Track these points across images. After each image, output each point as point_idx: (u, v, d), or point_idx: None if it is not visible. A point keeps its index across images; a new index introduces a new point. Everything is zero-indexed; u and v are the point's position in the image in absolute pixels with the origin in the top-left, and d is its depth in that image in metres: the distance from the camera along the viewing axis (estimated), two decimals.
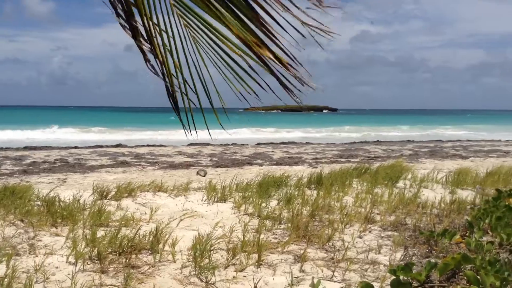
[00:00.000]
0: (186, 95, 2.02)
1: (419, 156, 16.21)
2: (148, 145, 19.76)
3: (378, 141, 25.22)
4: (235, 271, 3.78)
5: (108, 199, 6.24)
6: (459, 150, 18.95)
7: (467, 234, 4.71)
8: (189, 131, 2.07)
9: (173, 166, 12.42)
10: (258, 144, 21.28)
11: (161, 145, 19.59)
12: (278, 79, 1.93)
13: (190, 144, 18.99)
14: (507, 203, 5.89)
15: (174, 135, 26.49)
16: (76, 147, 18.14)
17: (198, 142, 20.09)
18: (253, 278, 3.56)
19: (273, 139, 25.17)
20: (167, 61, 1.96)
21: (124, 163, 13.07)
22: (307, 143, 22.85)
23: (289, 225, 5.00)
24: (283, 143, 22.33)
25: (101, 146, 18.91)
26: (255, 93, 2.01)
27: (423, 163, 13.59)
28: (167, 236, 4.41)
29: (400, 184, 7.99)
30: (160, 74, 1.93)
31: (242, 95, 2.03)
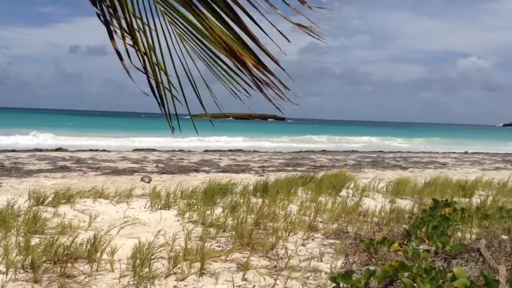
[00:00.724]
0: (170, 91, 1.97)
1: (362, 166, 16.69)
2: (90, 150, 19.12)
3: (324, 150, 25.76)
4: (176, 280, 3.69)
5: (45, 205, 5.95)
6: (399, 161, 19.68)
7: (405, 242, 4.87)
8: (173, 129, 2.02)
9: (117, 172, 12.07)
10: (206, 151, 21.12)
11: (104, 150, 19.02)
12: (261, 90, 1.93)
13: (136, 150, 18.57)
14: (443, 213, 6.15)
15: (120, 141, 25.83)
16: (13, 150, 17.24)
17: (144, 148, 19.67)
18: (194, 287, 3.49)
19: (221, 146, 25.08)
20: (151, 55, 1.89)
21: (64, 168, 12.55)
22: (254, 151, 22.96)
23: (234, 233, 4.96)
24: (230, 150, 22.31)
25: (40, 150, 18.11)
26: (246, 91, 1.99)
27: (366, 173, 13.99)
28: (105, 245, 4.25)
29: (343, 193, 8.16)
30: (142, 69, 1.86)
31: (234, 92, 2.01)
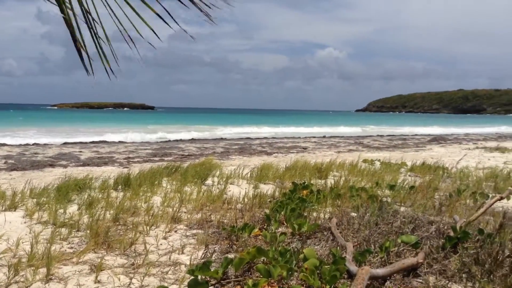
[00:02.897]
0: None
1: (230, 153, 16.95)
2: None
3: (193, 139, 25.68)
4: None
5: None
6: (265, 147, 20.42)
7: (265, 227, 5.00)
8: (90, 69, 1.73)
9: None
10: (65, 143, 19.64)
11: None
12: None
13: None
14: (301, 195, 6.47)
15: None
16: None
17: None
18: None
19: (83, 138, 23.53)
20: None
21: None
22: (120, 142, 21.98)
23: (88, 231, 4.62)
24: (93, 142, 21.04)
25: None
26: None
27: (233, 160, 14.23)
28: None
29: (209, 181, 8.15)
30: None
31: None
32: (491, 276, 3.22)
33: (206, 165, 9.21)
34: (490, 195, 7.07)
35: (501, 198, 4.67)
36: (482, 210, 4.32)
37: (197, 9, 1.66)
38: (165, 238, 4.71)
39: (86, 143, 20.41)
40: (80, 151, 15.90)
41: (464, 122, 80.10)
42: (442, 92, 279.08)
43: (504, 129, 52.66)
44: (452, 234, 3.82)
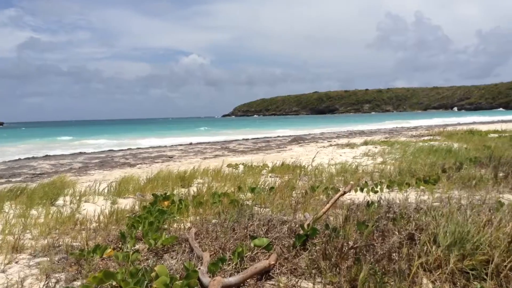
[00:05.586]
0: None
1: (89, 168, 15.92)
2: None
3: (47, 155, 23.64)
4: None
5: None
6: (129, 158, 19.63)
7: (120, 246, 4.69)
8: None
9: None
10: None
11: None
12: None
13: None
14: (161, 207, 6.24)
15: None
16: None
17: None
18: None
19: None
20: None
21: None
22: None
23: None
24: None
25: None
26: None
27: (92, 175, 13.37)
28: None
29: (60, 201, 7.49)
30: None
31: None
32: (337, 269, 3.39)
33: (57, 183, 8.46)
34: (341, 189, 7.60)
35: (344, 193, 5.01)
36: (328, 205, 4.57)
37: None
38: (3, 271, 4.15)
39: None
40: None
41: (320, 122, 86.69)
42: (300, 94, 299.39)
43: (354, 126, 57.99)
44: (302, 232, 3.96)
